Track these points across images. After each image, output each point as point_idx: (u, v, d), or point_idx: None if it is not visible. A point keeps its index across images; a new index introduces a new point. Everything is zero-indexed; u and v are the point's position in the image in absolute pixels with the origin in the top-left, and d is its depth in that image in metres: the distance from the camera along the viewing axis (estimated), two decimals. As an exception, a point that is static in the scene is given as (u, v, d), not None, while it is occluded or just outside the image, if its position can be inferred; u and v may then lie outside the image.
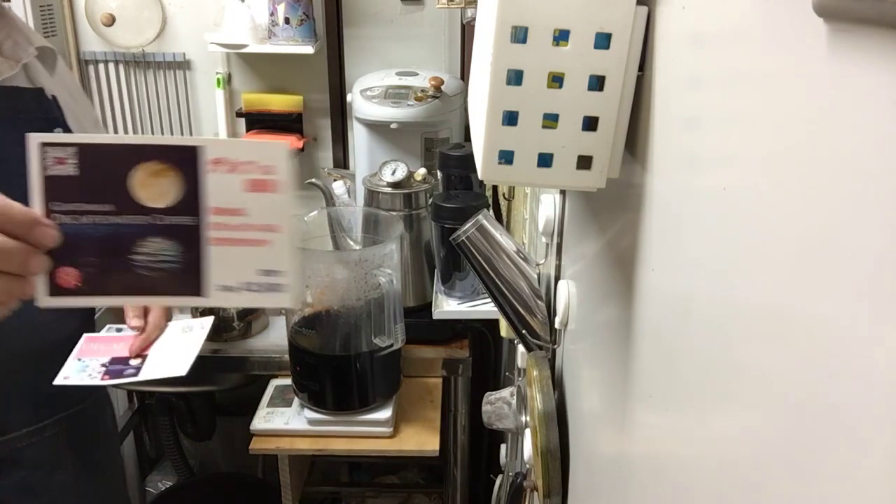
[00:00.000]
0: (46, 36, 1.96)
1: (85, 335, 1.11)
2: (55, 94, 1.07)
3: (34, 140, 0.55)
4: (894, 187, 0.23)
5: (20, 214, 0.55)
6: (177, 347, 1.10)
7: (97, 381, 1.04)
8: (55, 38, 2.00)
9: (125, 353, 1.08)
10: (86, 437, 1.22)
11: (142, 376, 1.05)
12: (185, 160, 0.57)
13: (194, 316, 1.28)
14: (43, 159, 0.55)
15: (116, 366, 1.07)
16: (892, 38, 0.23)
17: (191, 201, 0.57)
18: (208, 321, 1.17)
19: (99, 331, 1.14)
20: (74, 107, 1.12)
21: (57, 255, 0.57)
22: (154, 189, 0.57)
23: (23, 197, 0.59)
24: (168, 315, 1.15)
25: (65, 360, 1.14)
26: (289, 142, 0.55)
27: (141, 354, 1.09)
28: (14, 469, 1.11)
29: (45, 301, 0.58)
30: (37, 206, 0.56)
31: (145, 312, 1.13)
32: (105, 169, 0.57)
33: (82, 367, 1.06)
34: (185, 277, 0.58)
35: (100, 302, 0.61)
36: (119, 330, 1.13)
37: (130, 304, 0.67)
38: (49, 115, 1.05)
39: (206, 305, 0.59)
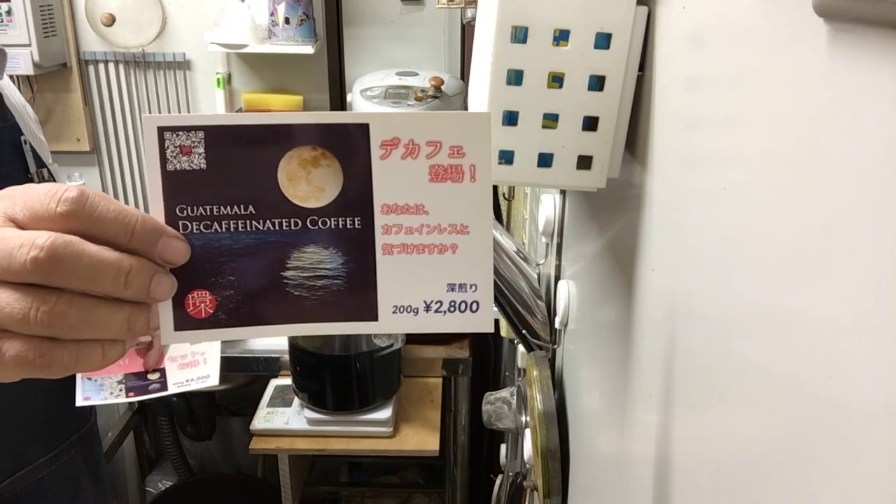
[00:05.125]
0: (46, 36, 1.96)
1: None
2: (6, 99, 1.00)
3: (151, 123, 0.41)
4: (894, 187, 0.23)
5: (140, 223, 0.40)
6: (192, 357, 1.09)
7: (122, 399, 1.03)
8: (55, 38, 2.00)
9: (137, 368, 1.07)
10: (95, 453, 1.21)
11: (171, 389, 1.04)
12: (347, 143, 0.43)
13: None
14: (163, 149, 0.41)
15: (135, 381, 1.05)
16: (892, 38, 0.23)
17: (356, 198, 0.43)
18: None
19: None
20: (21, 109, 1.05)
21: (186, 275, 0.43)
22: (307, 184, 0.43)
23: None
24: None
25: (67, 379, 1.13)
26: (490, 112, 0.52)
27: (157, 368, 1.07)
28: (39, 501, 1.08)
29: (172, 337, 0.43)
30: (159, 211, 0.42)
31: None
32: (243, 159, 0.43)
33: (98, 387, 1.04)
34: (353, 298, 0.44)
35: (242, 335, 0.47)
36: None
37: (282, 335, 0.48)
38: (9, 121, 0.99)
39: (381, 332, 0.44)
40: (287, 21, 1.92)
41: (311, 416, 1.49)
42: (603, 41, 0.50)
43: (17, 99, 1.09)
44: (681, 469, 0.44)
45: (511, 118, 0.52)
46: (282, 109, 2.10)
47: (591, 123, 0.52)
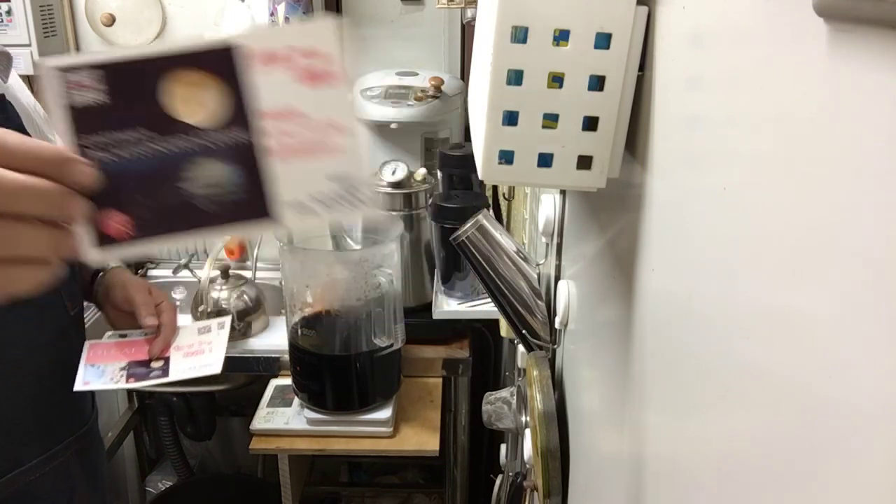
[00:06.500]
0: (46, 36, 1.96)
1: (88, 342, 1.08)
2: (10, 101, 1.03)
3: (48, 65, 0.46)
4: (894, 187, 0.23)
5: (48, 151, 0.44)
6: (199, 346, 1.08)
7: (122, 385, 1.01)
8: (55, 38, 2.00)
9: (143, 356, 1.05)
10: (92, 456, 1.20)
11: (172, 376, 1.02)
12: (227, 64, 0.48)
13: (206, 317, 1.26)
14: (62, 87, 0.46)
15: (138, 369, 1.03)
16: (892, 38, 0.23)
17: (241, 111, 0.48)
18: (226, 320, 1.13)
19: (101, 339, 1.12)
20: (30, 112, 1.08)
21: (98, 198, 0.47)
22: (195, 104, 0.48)
23: None
24: (176, 313, 1.13)
25: (68, 381, 1.13)
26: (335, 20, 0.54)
27: (161, 356, 1.06)
28: (33, 502, 1.07)
29: (94, 254, 0.47)
30: (65, 141, 0.46)
31: (158, 312, 1.10)
32: (136, 88, 0.48)
33: (100, 372, 1.02)
34: (249, 201, 0.49)
35: (158, 245, 0.52)
36: (123, 336, 1.10)
37: (193, 241, 0.59)
38: (12, 122, 1.01)
39: (279, 228, 0.48)
40: (287, 21, 1.92)
41: (311, 416, 1.49)
42: (603, 41, 0.50)
43: (27, 100, 1.10)
44: (681, 469, 0.44)
45: (511, 118, 0.52)
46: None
47: (591, 123, 0.52)
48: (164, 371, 1.02)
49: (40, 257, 0.45)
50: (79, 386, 1.00)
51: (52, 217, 0.45)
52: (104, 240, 0.47)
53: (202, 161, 0.48)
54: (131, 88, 0.48)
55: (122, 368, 1.03)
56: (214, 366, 1.03)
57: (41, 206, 0.44)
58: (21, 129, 1.01)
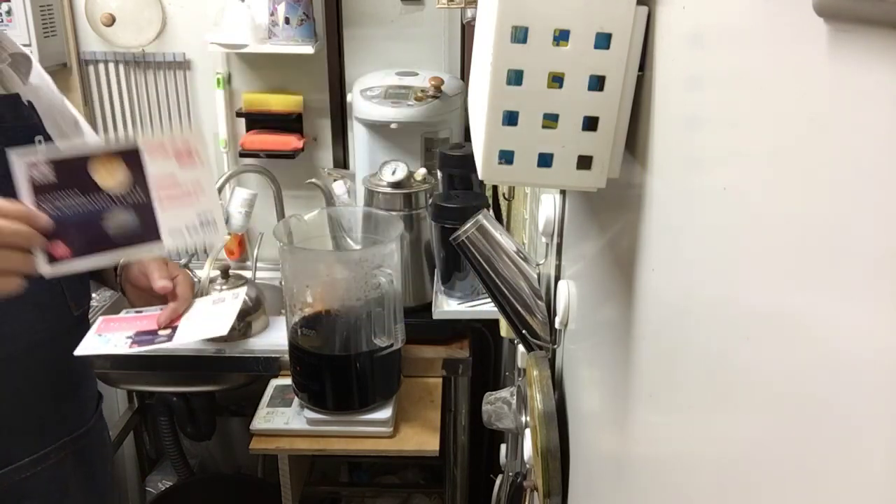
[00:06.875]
0: (46, 36, 1.96)
1: (102, 317, 1.05)
2: (31, 101, 1.05)
3: (18, 160, 0.78)
4: (894, 187, 0.23)
5: (17, 210, 0.78)
6: (209, 315, 1.05)
7: (124, 350, 0.98)
8: (55, 38, 2.00)
9: (152, 326, 1.02)
10: (90, 459, 1.19)
11: (176, 341, 0.99)
12: (129, 154, 0.83)
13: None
14: (27, 173, 0.79)
15: (144, 336, 1.00)
16: (892, 38, 0.23)
17: (140, 181, 0.83)
18: (241, 290, 1.10)
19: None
20: (53, 112, 1.10)
21: (48, 234, 0.79)
22: (110, 177, 0.82)
23: (6, 194, 0.82)
24: (193, 290, 1.10)
25: (64, 382, 1.12)
26: (201, 125, 0.99)
27: (170, 325, 1.02)
28: (22, 500, 1.07)
29: (46, 269, 0.79)
30: (27, 203, 0.79)
31: (174, 283, 1.06)
32: (74, 170, 0.80)
33: (105, 340, 1.00)
34: (144, 232, 0.84)
35: (86, 263, 0.83)
36: (139, 311, 1.07)
37: (110, 260, 0.89)
38: (28, 121, 1.03)
39: (163, 249, 0.88)
40: (287, 21, 1.92)
41: (311, 416, 1.49)
42: (603, 41, 0.50)
43: (51, 100, 1.11)
44: (681, 469, 0.44)
45: (511, 118, 0.52)
46: (282, 109, 2.10)
47: (591, 123, 0.52)
48: (169, 337, 1.00)
49: (14, 270, 0.78)
50: (80, 351, 0.98)
51: (21, 245, 0.78)
52: (52, 260, 0.80)
53: (115, 210, 0.83)
54: (70, 171, 0.80)
55: (129, 337, 1.01)
56: (221, 329, 1.01)
57: (15, 238, 0.77)
58: (35, 129, 1.03)
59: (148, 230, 0.83)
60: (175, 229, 0.84)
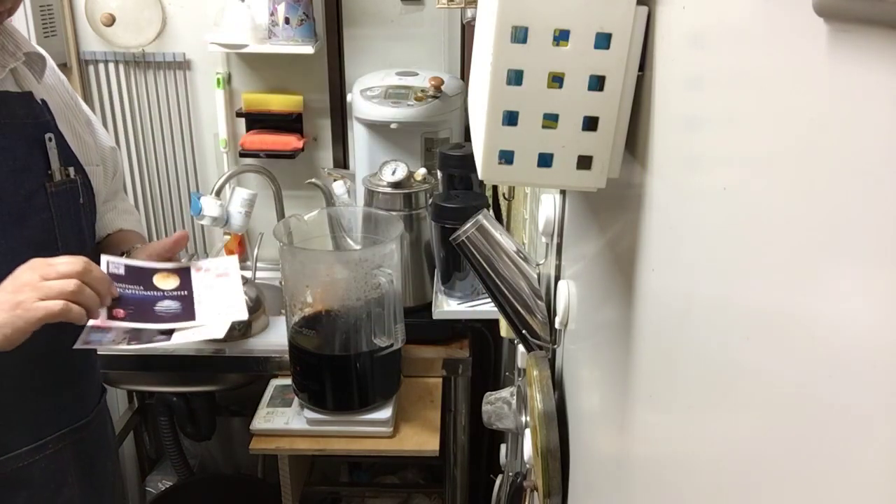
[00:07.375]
0: (46, 36, 1.96)
1: (101, 310, 1.05)
2: (44, 99, 1.07)
3: (105, 259, 1.10)
4: (894, 187, 0.23)
5: (103, 281, 1.02)
6: (220, 294, 1.16)
7: (123, 346, 1.04)
8: (55, 38, 2.00)
9: (150, 286, 1.13)
10: (90, 452, 1.20)
11: (175, 340, 1.08)
12: (181, 271, 1.17)
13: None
14: (107, 267, 1.09)
15: (141, 333, 1.07)
16: (892, 38, 0.23)
17: (186, 284, 1.15)
18: (233, 260, 1.21)
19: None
20: (66, 111, 1.13)
21: (115, 302, 1.06)
22: (164, 281, 1.14)
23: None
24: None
25: (63, 374, 1.13)
26: (236, 255, 1.28)
27: (179, 297, 1.14)
28: (19, 489, 1.08)
29: (105, 322, 1.05)
30: (109, 281, 1.06)
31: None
32: (140, 275, 1.12)
33: (104, 334, 1.04)
34: (186, 315, 1.12)
35: (134, 326, 1.06)
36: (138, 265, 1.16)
37: (155, 328, 1.08)
38: (39, 118, 1.05)
39: (200, 327, 1.11)
40: (287, 21, 1.92)
41: (311, 416, 1.49)
42: (603, 41, 0.50)
43: (65, 99, 1.12)
44: (681, 469, 0.44)
45: (511, 118, 0.52)
46: (282, 109, 2.10)
47: (591, 123, 0.52)
48: (168, 335, 1.08)
49: (80, 303, 0.98)
50: (79, 344, 1.00)
51: (98, 290, 1.01)
52: (111, 316, 1.05)
53: (166, 301, 1.11)
54: (137, 274, 1.12)
55: (128, 332, 1.04)
56: (241, 313, 1.14)
57: (98, 285, 1.01)
58: (47, 127, 1.04)
59: (186, 313, 1.11)
60: (208, 312, 1.12)
